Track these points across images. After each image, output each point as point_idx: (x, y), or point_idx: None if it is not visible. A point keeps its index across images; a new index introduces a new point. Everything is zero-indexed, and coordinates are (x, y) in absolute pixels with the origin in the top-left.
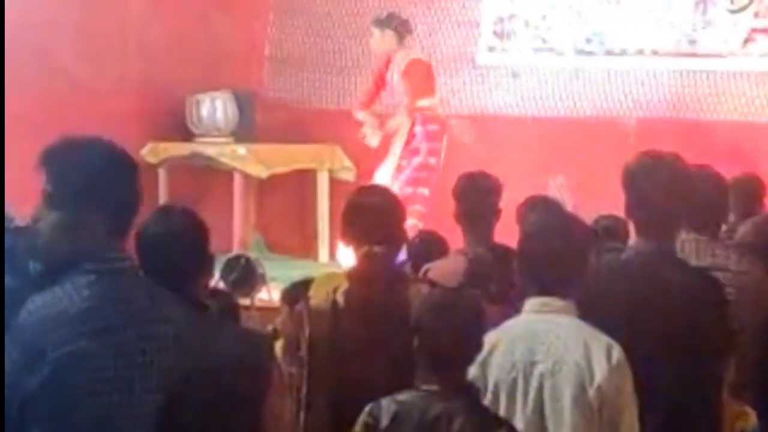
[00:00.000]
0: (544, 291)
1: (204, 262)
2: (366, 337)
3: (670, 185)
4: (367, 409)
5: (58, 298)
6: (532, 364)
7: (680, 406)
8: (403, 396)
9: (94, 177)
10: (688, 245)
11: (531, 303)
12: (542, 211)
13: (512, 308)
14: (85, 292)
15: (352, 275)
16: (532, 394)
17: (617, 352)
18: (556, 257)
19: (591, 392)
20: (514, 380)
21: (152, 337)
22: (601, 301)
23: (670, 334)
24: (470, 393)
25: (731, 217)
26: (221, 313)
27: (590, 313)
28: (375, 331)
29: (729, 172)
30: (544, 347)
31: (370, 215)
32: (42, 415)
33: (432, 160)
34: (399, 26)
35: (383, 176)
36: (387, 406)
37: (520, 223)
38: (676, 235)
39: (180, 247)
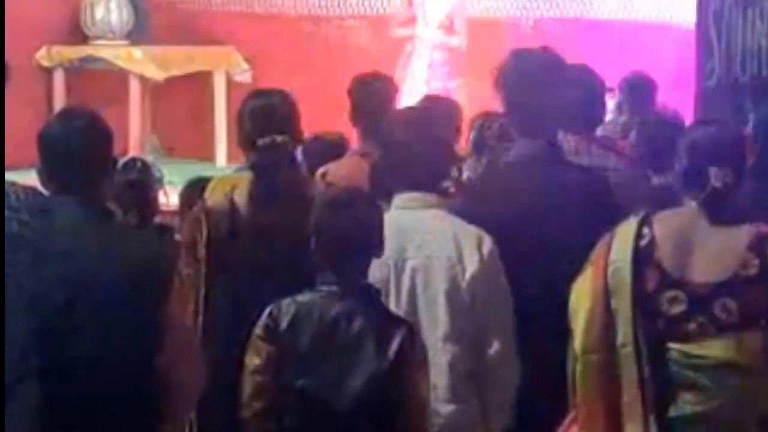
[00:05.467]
0: (410, 186)
1: (107, 165)
2: (269, 234)
3: (538, 78)
4: (267, 310)
5: None
6: (404, 260)
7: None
8: (303, 297)
9: None
10: (566, 145)
11: (399, 198)
12: (408, 107)
13: None
14: None
15: (256, 166)
16: (405, 290)
17: (488, 243)
18: (418, 152)
19: (463, 285)
20: (386, 277)
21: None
22: (484, 205)
23: (553, 233)
24: (370, 293)
25: (624, 117)
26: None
27: (475, 216)
28: (279, 225)
29: (626, 71)
30: (415, 243)
31: (269, 111)
32: None
33: None
34: None
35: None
36: (287, 307)
37: None
38: (554, 133)
39: (82, 150)
